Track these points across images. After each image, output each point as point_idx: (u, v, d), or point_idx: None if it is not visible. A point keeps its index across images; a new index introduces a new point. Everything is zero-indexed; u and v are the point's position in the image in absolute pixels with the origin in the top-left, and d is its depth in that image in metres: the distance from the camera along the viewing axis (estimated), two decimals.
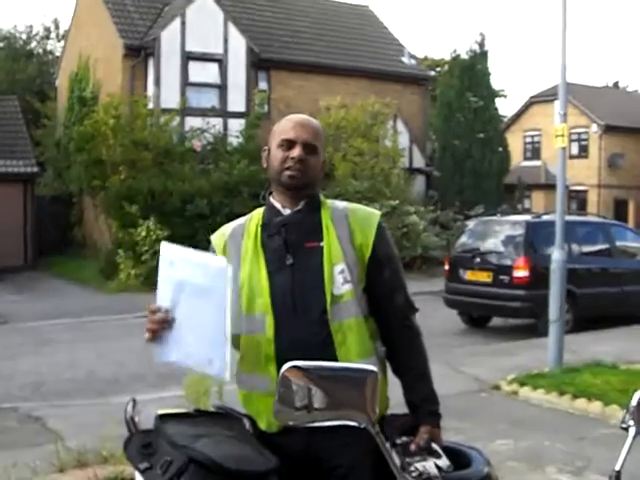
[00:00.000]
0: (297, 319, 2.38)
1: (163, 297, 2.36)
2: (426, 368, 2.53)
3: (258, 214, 2.56)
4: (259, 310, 2.42)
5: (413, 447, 2.32)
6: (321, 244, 2.44)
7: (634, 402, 1.90)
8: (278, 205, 2.51)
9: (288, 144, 2.45)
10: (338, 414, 1.63)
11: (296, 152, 2.43)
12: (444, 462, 2.28)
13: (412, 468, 2.23)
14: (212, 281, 2.29)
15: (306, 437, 2.35)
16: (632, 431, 1.89)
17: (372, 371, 1.65)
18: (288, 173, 2.44)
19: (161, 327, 2.33)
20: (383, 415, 2.46)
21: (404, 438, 2.34)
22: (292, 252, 2.43)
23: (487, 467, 2.37)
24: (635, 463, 5.27)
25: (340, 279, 2.41)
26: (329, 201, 2.57)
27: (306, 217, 2.48)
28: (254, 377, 2.44)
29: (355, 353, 2.38)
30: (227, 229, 2.57)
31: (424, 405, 2.47)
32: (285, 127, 2.50)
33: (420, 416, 2.44)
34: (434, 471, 2.24)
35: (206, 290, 2.29)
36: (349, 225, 2.48)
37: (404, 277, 2.59)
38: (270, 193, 2.56)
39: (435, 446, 2.34)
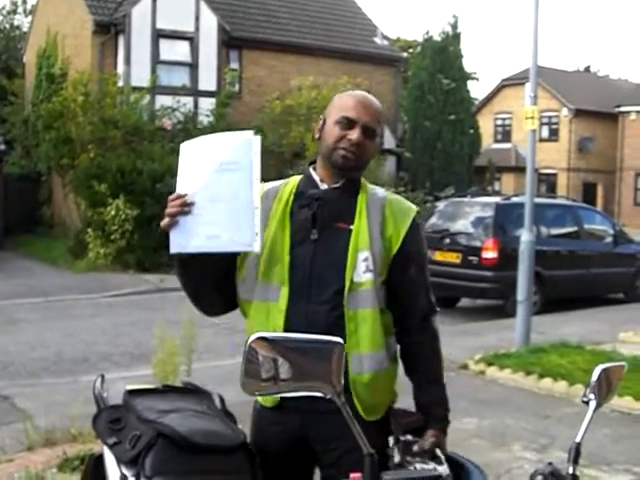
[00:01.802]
0: (311, 295, 2.33)
1: (183, 186, 2.28)
2: (441, 371, 2.48)
3: (294, 181, 2.48)
4: (276, 279, 2.35)
5: (416, 448, 2.26)
6: (351, 227, 2.35)
7: (594, 377, 1.94)
8: (317, 178, 2.43)
9: (348, 123, 2.34)
10: (304, 385, 1.64)
11: (355, 135, 2.33)
12: (445, 470, 2.21)
13: (411, 467, 2.20)
14: (239, 153, 2.24)
15: (303, 418, 2.34)
16: (592, 404, 1.93)
17: (338, 342, 1.67)
18: (342, 153, 2.34)
19: (180, 210, 2.22)
20: (390, 407, 2.43)
21: (408, 437, 2.29)
22: (319, 228, 2.36)
23: None
24: (597, 441, 5.36)
25: (363, 266, 2.33)
26: (370, 186, 2.47)
27: (342, 196, 2.39)
28: None
29: (366, 345, 2.32)
30: (262, 188, 2.40)
31: (434, 409, 2.41)
32: (347, 103, 2.38)
33: (429, 419, 2.38)
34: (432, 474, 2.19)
35: (234, 163, 2.23)
36: (383, 214, 2.39)
37: (429, 277, 2.51)
38: (312, 163, 2.49)
39: (439, 452, 2.28)
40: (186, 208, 2.23)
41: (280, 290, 2.35)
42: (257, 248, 2.22)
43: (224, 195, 2.23)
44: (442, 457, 2.28)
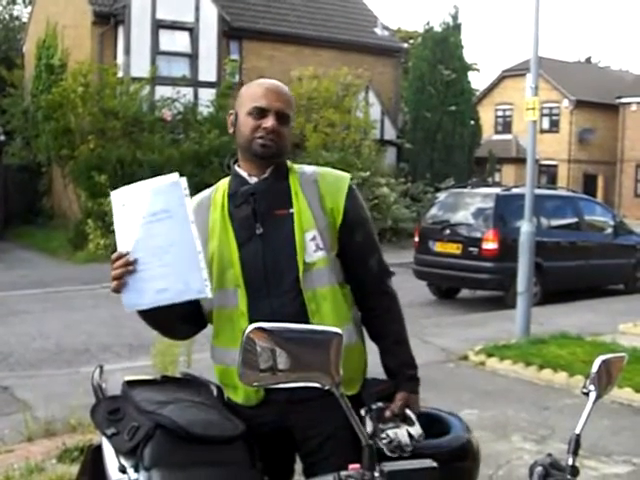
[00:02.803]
0: (270, 290, 2.32)
1: (123, 243, 2.25)
2: (404, 333, 2.46)
3: (224, 184, 2.47)
4: (230, 283, 2.35)
5: (388, 413, 2.28)
6: (291, 211, 2.35)
7: (594, 368, 1.93)
8: (244, 174, 2.42)
9: (260, 112, 2.34)
10: (302, 376, 1.63)
11: (269, 122, 2.32)
12: (416, 430, 2.25)
13: (383, 435, 2.21)
14: (169, 199, 2.22)
15: (281, 408, 2.34)
16: (592, 396, 1.92)
17: (337, 333, 1.66)
18: (260, 142, 2.33)
19: (125, 271, 2.20)
20: (365, 379, 2.43)
21: (380, 404, 2.30)
22: (261, 221, 2.35)
23: (467, 434, 2.34)
24: (596, 432, 5.36)
25: (312, 246, 2.33)
26: (297, 166, 2.48)
27: (274, 184, 2.38)
28: (229, 351, 2.36)
29: (331, 322, 2.29)
30: (192, 203, 2.37)
31: (402, 370, 2.41)
32: (256, 93, 2.37)
33: (398, 382, 2.38)
34: (405, 439, 2.21)
35: (165, 212, 2.21)
36: (319, 190, 2.39)
37: (377, 241, 2.51)
38: (235, 162, 2.47)
39: (409, 413, 2.30)
40: (130, 267, 2.21)
41: (237, 293, 2.34)
42: (209, 294, 2.20)
43: (163, 247, 2.20)
44: (413, 417, 2.29)
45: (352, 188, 2.45)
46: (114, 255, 2.25)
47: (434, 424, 2.34)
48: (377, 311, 2.45)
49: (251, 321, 2.27)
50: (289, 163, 2.48)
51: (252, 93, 2.39)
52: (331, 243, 2.37)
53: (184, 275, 2.19)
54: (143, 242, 2.22)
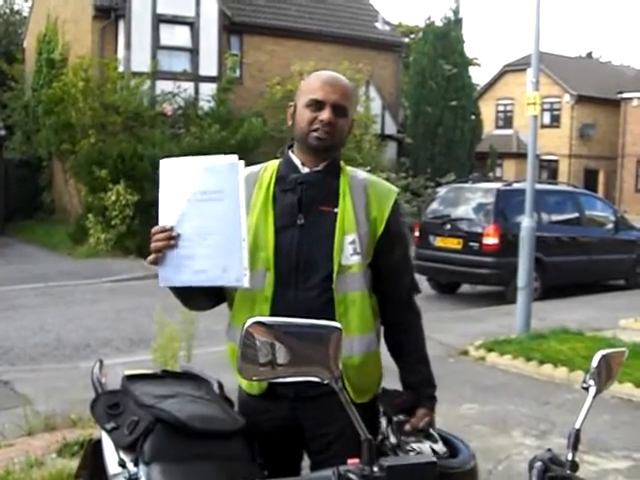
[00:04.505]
0: (298, 281, 2.31)
1: (167, 217, 2.21)
2: (425, 350, 2.50)
3: (273, 165, 2.45)
4: (260, 265, 2.31)
5: (408, 427, 2.28)
6: (335, 210, 2.34)
7: (594, 363, 1.93)
8: (297, 162, 2.40)
9: (317, 105, 2.32)
10: (302, 370, 1.63)
11: (325, 115, 2.31)
12: (440, 447, 2.25)
13: (408, 447, 2.21)
14: (224, 180, 2.17)
15: (291, 404, 2.33)
16: (592, 391, 1.92)
17: (336, 327, 1.65)
18: (315, 135, 2.32)
19: (166, 244, 2.19)
20: (383, 388, 2.45)
21: (400, 416, 2.30)
22: (305, 212, 2.33)
23: (473, 460, 2.31)
24: (596, 427, 5.36)
25: (350, 249, 2.32)
26: (349, 168, 2.47)
27: (325, 179, 2.38)
28: None
29: (355, 327, 2.32)
30: None
31: (423, 388, 2.43)
32: (313, 86, 2.36)
33: (419, 398, 2.40)
34: (430, 454, 2.20)
35: (217, 192, 2.17)
36: (367, 196, 2.38)
37: (412, 258, 2.54)
38: (290, 147, 2.45)
39: (432, 431, 2.30)
40: (172, 242, 2.20)
41: (265, 276, 2.32)
42: (247, 284, 2.16)
43: (210, 227, 2.17)
44: (436, 435, 2.30)
45: (397, 203, 2.45)
46: (156, 228, 2.23)
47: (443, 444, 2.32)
48: (402, 326, 2.47)
49: (273, 308, 2.28)
50: (342, 163, 2.46)
51: (310, 85, 2.39)
52: (368, 250, 2.36)
53: (225, 260, 2.15)
54: (188, 219, 2.19)
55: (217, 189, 2.17)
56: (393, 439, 2.23)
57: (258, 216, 2.34)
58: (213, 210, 2.17)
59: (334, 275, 2.30)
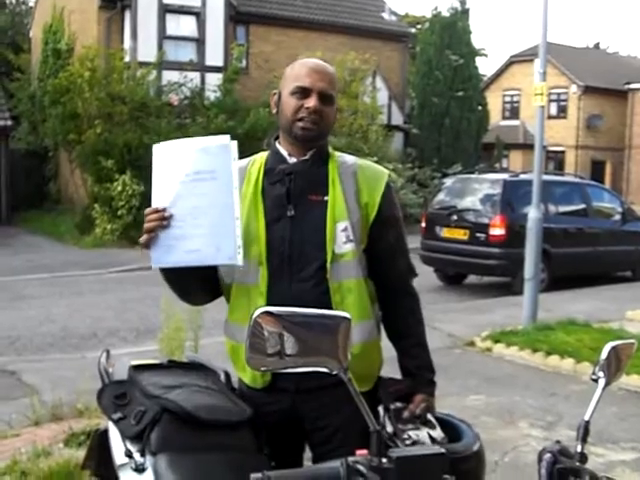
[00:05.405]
0: (292, 273, 2.28)
1: (159, 198, 2.22)
2: (424, 335, 2.45)
3: (261, 158, 2.41)
4: (253, 259, 2.28)
5: (406, 414, 2.25)
6: (325, 198, 2.30)
7: (604, 354, 1.91)
8: (284, 152, 2.36)
9: (303, 92, 2.28)
10: (310, 360, 1.62)
11: (312, 102, 2.27)
12: (438, 433, 2.22)
13: (405, 435, 2.18)
14: (216, 161, 2.16)
15: (292, 397, 2.32)
16: (601, 382, 1.90)
17: (345, 317, 1.64)
18: (301, 124, 2.28)
19: (158, 225, 2.19)
20: (379, 377, 2.42)
21: (398, 404, 2.28)
22: (294, 203, 2.30)
23: (478, 442, 2.29)
24: (603, 419, 5.35)
25: (342, 237, 2.28)
26: (338, 154, 2.42)
27: (312, 168, 2.34)
28: (242, 329, 2.28)
29: (353, 315, 2.21)
30: None
31: (421, 373, 2.40)
32: (299, 73, 2.32)
33: (416, 384, 2.36)
34: (428, 441, 2.18)
35: (210, 172, 2.16)
36: (357, 182, 2.34)
37: (407, 241, 2.49)
38: (276, 138, 2.41)
39: (430, 416, 2.28)
40: (164, 222, 2.19)
41: (258, 271, 2.30)
42: (240, 261, 2.15)
43: (203, 207, 2.16)
44: (434, 421, 2.27)
45: (389, 186, 2.41)
46: (149, 209, 2.22)
47: (445, 429, 2.30)
48: (400, 311, 2.43)
49: (269, 302, 2.25)
50: (330, 149, 2.43)
51: (295, 73, 2.34)
52: (361, 237, 2.33)
53: (218, 239, 2.15)
54: (181, 199, 2.19)
55: (210, 169, 2.17)
56: (390, 428, 2.21)
57: (248, 210, 2.31)
58: (206, 190, 2.16)
59: (328, 264, 2.27)
